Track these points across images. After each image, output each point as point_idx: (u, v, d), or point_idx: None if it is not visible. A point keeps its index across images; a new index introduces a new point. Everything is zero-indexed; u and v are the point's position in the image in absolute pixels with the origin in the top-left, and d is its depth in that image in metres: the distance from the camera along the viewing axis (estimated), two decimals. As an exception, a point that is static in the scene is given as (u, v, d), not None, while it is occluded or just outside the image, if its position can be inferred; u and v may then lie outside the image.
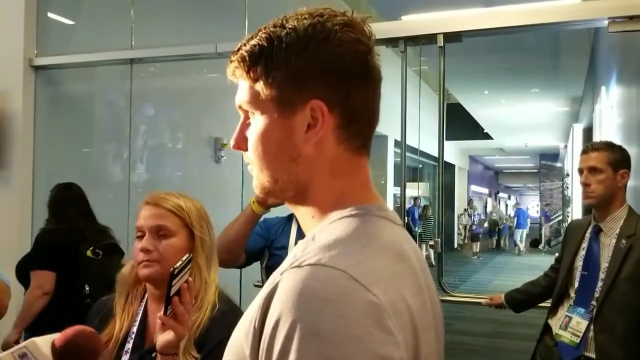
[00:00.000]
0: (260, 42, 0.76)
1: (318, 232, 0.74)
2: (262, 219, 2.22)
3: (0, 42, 3.68)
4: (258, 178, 0.81)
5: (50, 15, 3.95)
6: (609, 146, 2.45)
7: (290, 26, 0.76)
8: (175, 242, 1.54)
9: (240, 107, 0.81)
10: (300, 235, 2.26)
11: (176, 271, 1.26)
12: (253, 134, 0.79)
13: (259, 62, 0.76)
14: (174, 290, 1.27)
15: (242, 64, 0.78)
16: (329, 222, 0.76)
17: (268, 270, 2.29)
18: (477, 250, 17.64)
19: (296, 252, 0.71)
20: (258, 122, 0.78)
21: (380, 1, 6.94)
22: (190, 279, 1.34)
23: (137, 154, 4.52)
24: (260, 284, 2.38)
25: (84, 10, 4.26)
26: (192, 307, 1.35)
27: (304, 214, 0.81)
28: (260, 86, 0.77)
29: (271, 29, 0.77)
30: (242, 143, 0.81)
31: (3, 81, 3.65)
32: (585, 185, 2.43)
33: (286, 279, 0.66)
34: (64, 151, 4.01)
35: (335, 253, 0.68)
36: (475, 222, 18.12)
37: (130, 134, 4.07)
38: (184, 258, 1.32)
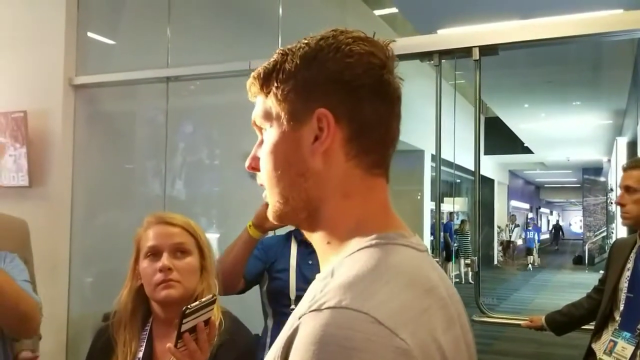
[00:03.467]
0: (275, 59, 0.76)
1: (337, 265, 0.69)
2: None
3: (41, 61, 3.78)
4: (271, 201, 0.78)
5: (89, 34, 4.04)
6: None
7: (305, 42, 0.75)
8: (191, 261, 1.51)
9: (254, 123, 0.79)
10: (301, 255, 2.17)
11: (188, 311, 1.25)
12: (264, 150, 0.77)
13: (271, 76, 0.75)
14: (186, 327, 1.26)
15: (257, 80, 0.77)
16: (348, 253, 0.71)
17: (269, 294, 2.18)
18: (533, 262, 18.24)
19: (315, 291, 0.66)
20: (268, 136, 0.76)
21: (416, 17, 6.90)
22: (213, 318, 1.32)
23: (174, 171, 4.56)
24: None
25: (123, 29, 4.35)
26: (208, 346, 1.32)
27: (319, 241, 0.77)
28: (271, 100, 0.75)
29: (288, 46, 0.76)
30: (256, 163, 0.79)
31: (43, 100, 3.74)
32: (620, 205, 2.34)
33: (305, 324, 0.61)
34: (102, 168, 4.08)
35: (357, 292, 0.62)
36: (529, 237, 18.42)
37: (166, 151, 4.11)
38: (204, 299, 1.30)
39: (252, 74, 0.78)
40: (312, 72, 0.73)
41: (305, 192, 0.74)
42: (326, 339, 0.58)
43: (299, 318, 0.63)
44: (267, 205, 2.10)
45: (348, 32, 0.75)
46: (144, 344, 1.50)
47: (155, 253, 1.50)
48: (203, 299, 1.30)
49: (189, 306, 1.26)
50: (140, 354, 1.48)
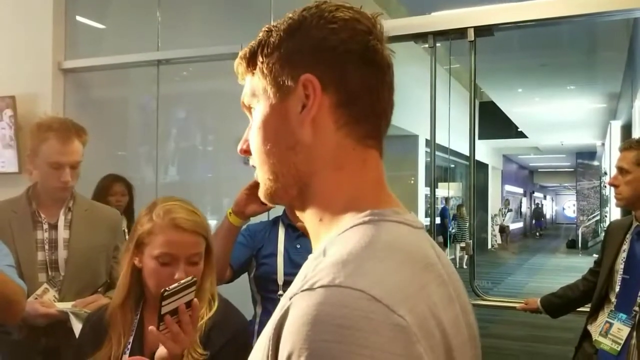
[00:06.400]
0: (260, 37, 0.75)
1: (329, 244, 0.67)
2: (244, 226, 2.07)
3: (30, 45, 3.72)
4: (261, 179, 0.76)
5: (78, 18, 3.98)
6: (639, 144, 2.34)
7: (289, 16, 0.73)
8: (201, 266, 1.51)
9: (243, 104, 0.78)
10: (289, 239, 2.13)
11: (166, 293, 1.25)
12: (253, 127, 0.75)
13: (257, 53, 0.74)
14: (166, 309, 1.26)
15: (243, 60, 0.76)
16: (340, 230, 0.68)
17: (257, 281, 2.14)
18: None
19: (307, 270, 0.63)
20: (257, 112, 0.75)
21: (409, -1, 6.84)
22: (195, 300, 1.32)
23: (166, 156, 4.52)
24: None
25: (112, 13, 4.28)
26: (193, 328, 1.32)
27: (311, 218, 0.74)
28: (257, 76, 0.74)
29: (274, 23, 0.74)
30: (247, 147, 0.77)
31: (32, 84, 3.69)
32: (613, 186, 2.37)
33: (297, 304, 0.58)
34: (93, 155, 4.02)
35: (351, 270, 0.59)
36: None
37: (157, 136, 4.07)
38: (182, 281, 1.30)
39: (239, 54, 0.77)
40: (296, 42, 0.71)
41: (294, 167, 0.72)
42: (320, 318, 0.55)
43: (290, 299, 0.60)
44: (246, 191, 2.06)
45: (331, 2, 0.73)
46: (135, 328, 1.49)
47: (168, 260, 1.46)
48: (182, 281, 1.30)
49: (167, 288, 1.25)
50: (131, 338, 1.47)
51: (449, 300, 0.68)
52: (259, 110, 0.74)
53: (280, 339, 0.58)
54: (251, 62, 0.75)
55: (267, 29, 0.74)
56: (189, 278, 1.31)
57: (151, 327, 1.26)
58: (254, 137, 0.75)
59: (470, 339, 0.71)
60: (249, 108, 0.77)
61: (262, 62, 0.73)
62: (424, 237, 0.73)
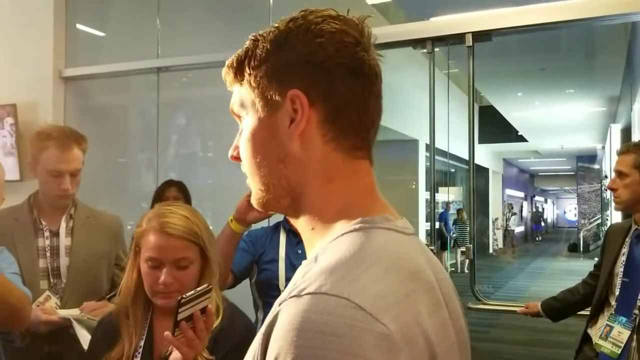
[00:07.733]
0: (247, 46, 0.75)
1: (321, 251, 0.68)
2: (246, 232, 2.08)
3: (30, 54, 3.74)
4: (253, 189, 0.77)
5: (79, 26, 4.00)
6: (637, 148, 2.36)
7: (275, 25, 0.73)
8: (192, 271, 1.52)
9: (232, 111, 0.79)
10: (290, 244, 2.15)
11: (183, 300, 1.27)
12: (242, 138, 0.76)
13: (243, 63, 0.74)
14: (182, 315, 1.28)
15: (231, 69, 0.76)
16: (332, 238, 0.69)
17: (258, 286, 2.16)
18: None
19: (297, 277, 0.65)
20: (246, 124, 0.76)
21: (408, 5, 6.86)
22: (210, 306, 1.34)
23: (167, 163, 4.53)
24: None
25: (112, 21, 4.31)
26: (207, 334, 1.33)
27: (304, 227, 0.75)
28: (245, 87, 0.74)
29: (260, 32, 0.75)
30: (238, 153, 0.78)
31: (33, 92, 3.71)
32: (612, 189, 2.39)
33: (285, 310, 0.60)
34: (94, 162, 4.02)
35: (338, 277, 0.60)
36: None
37: (157, 142, 4.08)
38: (199, 288, 1.31)
39: (227, 62, 0.77)
40: (283, 55, 0.71)
41: (285, 179, 0.73)
42: (305, 325, 0.57)
43: (280, 305, 0.62)
44: (247, 198, 2.08)
45: (318, 11, 0.73)
46: (145, 332, 1.51)
47: (156, 264, 1.49)
48: (198, 288, 1.32)
49: (184, 296, 1.27)
50: (142, 342, 1.49)
51: (437, 306, 0.69)
52: (248, 122, 0.75)
53: (269, 343, 0.60)
54: (238, 72, 0.75)
55: (253, 38, 0.74)
56: (205, 286, 1.33)
57: (167, 333, 1.29)
58: (243, 148, 0.76)
59: (459, 343, 0.72)
60: (239, 116, 0.78)
61: (250, 75, 0.73)
62: (414, 244, 0.73)
